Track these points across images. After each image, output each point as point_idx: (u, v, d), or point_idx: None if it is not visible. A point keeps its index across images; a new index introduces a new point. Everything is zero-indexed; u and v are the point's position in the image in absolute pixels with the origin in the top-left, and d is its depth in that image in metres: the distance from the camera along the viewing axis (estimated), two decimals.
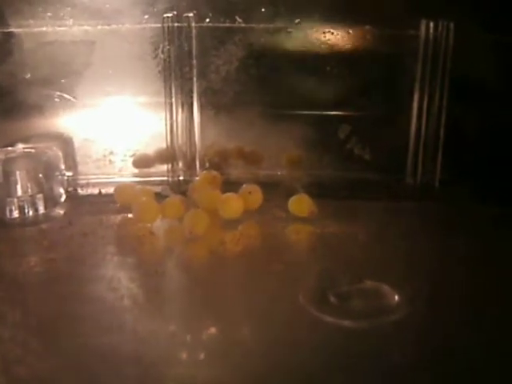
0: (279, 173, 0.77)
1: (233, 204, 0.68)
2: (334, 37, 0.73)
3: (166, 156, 0.77)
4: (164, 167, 0.77)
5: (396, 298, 0.53)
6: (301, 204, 0.69)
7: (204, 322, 0.50)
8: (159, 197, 0.71)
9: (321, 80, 0.74)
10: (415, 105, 0.74)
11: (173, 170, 0.76)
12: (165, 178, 0.77)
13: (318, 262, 0.61)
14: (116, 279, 0.56)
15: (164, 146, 0.76)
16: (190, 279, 0.59)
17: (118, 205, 0.71)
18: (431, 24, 0.72)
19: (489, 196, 0.71)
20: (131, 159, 0.77)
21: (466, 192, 0.72)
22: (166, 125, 0.75)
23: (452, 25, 0.71)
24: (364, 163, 0.76)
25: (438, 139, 0.74)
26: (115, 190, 0.73)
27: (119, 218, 0.69)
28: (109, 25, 0.73)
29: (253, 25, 0.73)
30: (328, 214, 0.68)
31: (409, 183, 0.76)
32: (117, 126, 0.77)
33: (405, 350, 0.47)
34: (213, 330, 0.49)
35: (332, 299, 0.52)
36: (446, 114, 0.74)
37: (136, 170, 0.77)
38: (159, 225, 0.67)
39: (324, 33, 0.73)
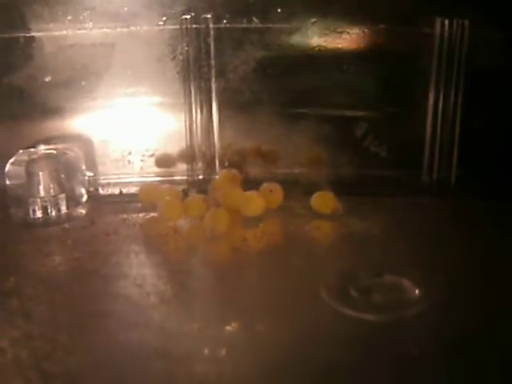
0: (297, 171, 0.78)
1: (255, 201, 0.68)
2: (349, 36, 0.74)
3: (186, 155, 0.77)
4: (184, 166, 0.78)
5: (416, 292, 0.53)
6: (324, 200, 0.70)
7: (229, 317, 0.51)
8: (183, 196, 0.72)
9: (337, 79, 0.75)
10: (431, 102, 0.74)
11: (192, 170, 0.77)
12: (184, 177, 0.78)
13: (338, 257, 0.62)
14: (141, 277, 0.57)
15: (183, 145, 0.77)
16: (214, 276, 0.60)
17: (140, 204, 0.72)
18: (446, 22, 0.72)
19: (505, 192, 0.72)
20: (150, 159, 0.78)
21: (482, 188, 0.72)
22: (185, 125, 0.76)
23: (467, 22, 0.71)
24: (381, 160, 0.76)
25: (453, 136, 0.75)
26: (140, 190, 0.73)
27: (141, 217, 0.70)
28: (127, 27, 0.74)
29: (269, 25, 0.73)
30: (347, 211, 0.69)
31: (425, 180, 0.76)
32: (136, 127, 0.78)
33: (425, 343, 0.48)
34: (237, 325, 0.50)
35: (353, 293, 0.53)
36: (462, 111, 0.74)
37: (155, 170, 0.78)
38: (182, 223, 0.68)
39: (340, 32, 0.74)
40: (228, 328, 0.50)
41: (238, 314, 0.52)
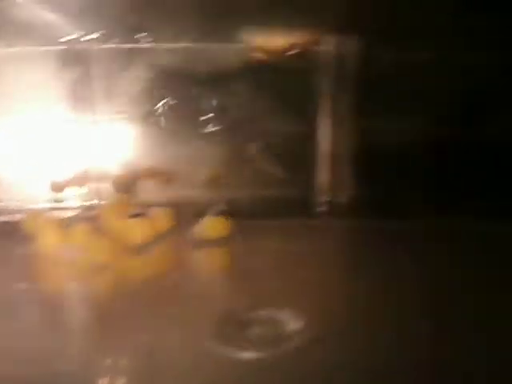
0: (191, 193, 0.76)
1: (139, 229, 0.67)
2: (240, 53, 0.73)
3: (78, 180, 0.75)
4: (74, 192, 0.75)
5: (294, 325, 0.52)
6: (214, 225, 0.68)
7: (102, 361, 0.48)
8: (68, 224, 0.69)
9: (228, 97, 0.74)
10: (325, 121, 0.74)
11: (81, 195, 0.75)
12: (73, 204, 0.75)
13: (219, 288, 0.60)
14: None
15: (74, 170, 0.75)
16: (93, 311, 0.56)
17: (23, 234, 0.69)
18: (338, 40, 0.72)
19: (401, 212, 0.72)
20: (40, 185, 0.75)
21: (376, 208, 0.72)
22: (74, 148, 0.74)
23: (359, 41, 0.72)
24: (276, 181, 0.75)
25: (348, 156, 0.74)
26: (25, 218, 0.70)
27: (21, 248, 0.66)
28: (10, 46, 0.71)
29: (158, 44, 0.72)
30: (237, 235, 0.68)
31: (320, 200, 0.76)
32: (24, 151, 0.75)
33: (305, 379, 0.46)
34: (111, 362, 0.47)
35: (229, 330, 0.51)
36: (356, 129, 0.74)
37: (45, 197, 0.76)
38: (62, 254, 0.65)
39: (228, 49, 0.73)
40: (102, 367, 0.47)
41: (114, 355, 0.48)
